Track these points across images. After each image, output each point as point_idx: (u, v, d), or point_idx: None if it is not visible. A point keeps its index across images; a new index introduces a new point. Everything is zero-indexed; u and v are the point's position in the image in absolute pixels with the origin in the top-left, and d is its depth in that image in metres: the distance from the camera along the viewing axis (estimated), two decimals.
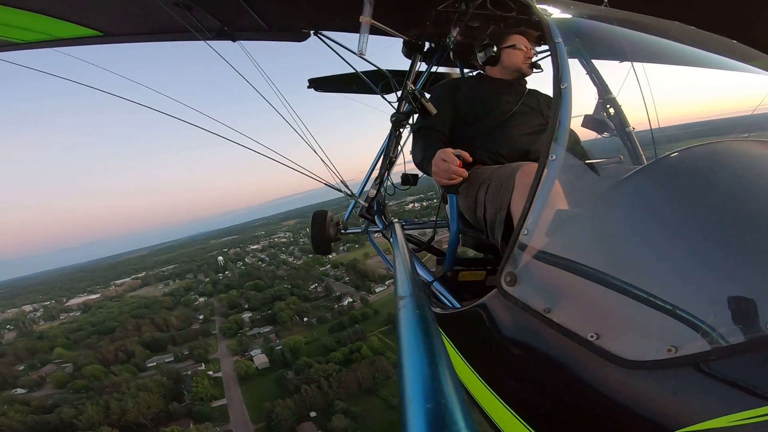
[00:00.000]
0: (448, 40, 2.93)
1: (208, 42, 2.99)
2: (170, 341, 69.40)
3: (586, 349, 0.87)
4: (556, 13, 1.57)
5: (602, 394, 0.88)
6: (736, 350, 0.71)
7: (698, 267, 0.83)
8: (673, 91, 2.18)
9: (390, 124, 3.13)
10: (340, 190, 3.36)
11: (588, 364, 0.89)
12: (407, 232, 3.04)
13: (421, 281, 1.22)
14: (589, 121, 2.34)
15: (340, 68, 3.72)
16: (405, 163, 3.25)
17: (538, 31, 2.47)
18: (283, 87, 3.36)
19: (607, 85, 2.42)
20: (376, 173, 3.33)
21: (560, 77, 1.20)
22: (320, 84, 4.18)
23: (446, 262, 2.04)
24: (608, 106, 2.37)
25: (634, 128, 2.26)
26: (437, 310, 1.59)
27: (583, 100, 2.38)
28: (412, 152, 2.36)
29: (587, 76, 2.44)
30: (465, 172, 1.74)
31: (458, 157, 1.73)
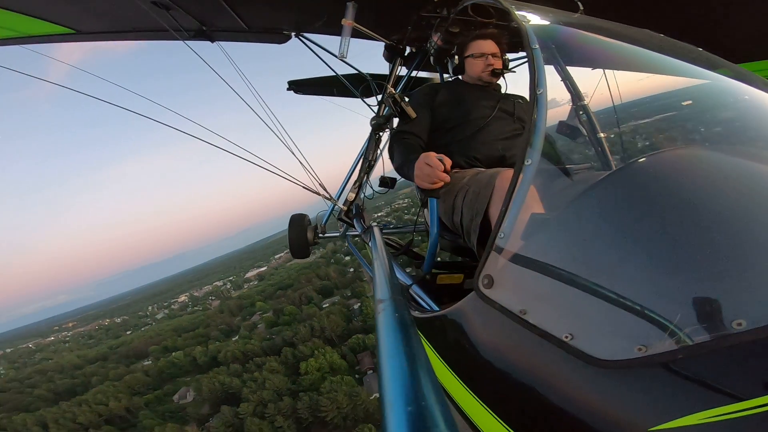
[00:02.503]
0: (428, 45, 2.96)
1: (187, 42, 2.93)
2: (334, 287, 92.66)
3: (561, 349, 0.89)
4: (534, 19, 1.58)
5: (577, 393, 0.90)
6: (703, 348, 0.74)
7: (666, 268, 0.86)
8: (640, 96, 2.25)
9: (369, 128, 3.13)
10: (318, 194, 3.34)
11: (563, 364, 0.90)
12: (385, 236, 3.04)
13: (399, 285, 1.22)
14: (563, 127, 2.40)
15: (320, 71, 3.70)
16: (384, 166, 3.26)
17: (511, 37, 2.51)
18: (262, 89, 3.31)
19: (580, 92, 2.47)
20: (354, 177, 3.33)
21: (536, 83, 1.22)
22: (300, 86, 4.14)
23: (425, 265, 2.04)
24: (581, 112, 2.43)
25: (604, 135, 2.32)
26: (416, 313, 1.59)
27: (557, 106, 2.43)
28: (391, 156, 2.36)
29: (562, 82, 2.50)
30: (447, 177, 1.72)
31: (440, 162, 1.73)
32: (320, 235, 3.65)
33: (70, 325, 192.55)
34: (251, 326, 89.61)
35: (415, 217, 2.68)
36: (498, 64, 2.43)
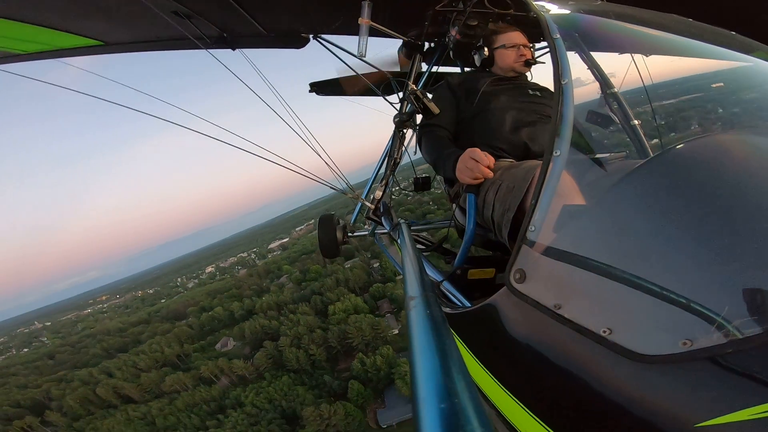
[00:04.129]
0: (447, 39, 2.93)
1: (210, 50, 2.99)
2: (355, 250, 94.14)
3: (598, 344, 0.86)
4: (553, 9, 1.56)
5: (617, 390, 0.87)
6: (753, 342, 0.70)
7: (711, 259, 0.82)
8: (673, 82, 2.16)
9: (393, 125, 3.12)
10: (345, 193, 3.35)
11: (601, 360, 0.88)
12: (414, 232, 3.03)
13: (430, 281, 1.21)
14: (592, 116, 2.33)
15: (341, 71, 3.71)
16: (413, 167, 3.24)
17: (535, 27, 2.45)
18: (285, 93, 3.35)
19: (609, 80, 2.40)
20: (380, 175, 3.33)
21: (560, 73, 1.19)
22: (321, 87, 4.17)
23: (457, 261, 2.03)
24: (611, 100, 2.35)
25: (638, 122, 2.24)
26: (447, 309, 1.58)
27: (585, 95, 2.36)
28: (423, 152, 2.37)
29: (588, 71, 2.42)
30: (491, 173, 1.75)
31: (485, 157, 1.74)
32: (349, 234, 3.65)
33: (104, 298, 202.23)
34: (280, 285, 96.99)
35: (431, 213, 2.67)
36: (529, 54, 2.43)
